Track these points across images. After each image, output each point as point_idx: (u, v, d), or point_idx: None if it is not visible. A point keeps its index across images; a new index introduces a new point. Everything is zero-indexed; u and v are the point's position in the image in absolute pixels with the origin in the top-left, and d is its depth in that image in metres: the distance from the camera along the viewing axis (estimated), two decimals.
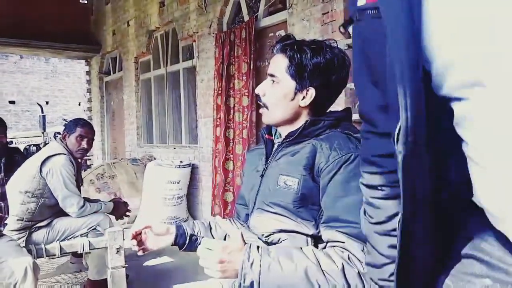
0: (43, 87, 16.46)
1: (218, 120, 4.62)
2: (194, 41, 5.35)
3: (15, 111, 15.89)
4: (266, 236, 1.17)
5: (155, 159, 5.91)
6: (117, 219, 2.94)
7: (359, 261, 0.94)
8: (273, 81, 1.21)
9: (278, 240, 1.14)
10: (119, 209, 2.92)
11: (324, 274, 0.93)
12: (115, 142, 8.28)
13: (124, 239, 2.31)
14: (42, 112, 11.04)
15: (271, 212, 1.15)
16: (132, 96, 7.04)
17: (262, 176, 1.24)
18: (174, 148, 5.94)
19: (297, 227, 1.10)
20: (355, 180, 1.02)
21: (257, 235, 1.20)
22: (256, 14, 4.44)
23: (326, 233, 1.04)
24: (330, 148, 1.10)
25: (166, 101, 6.30)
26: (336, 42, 1.23)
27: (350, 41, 3.16)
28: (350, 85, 3.17)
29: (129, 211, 2.99)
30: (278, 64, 1.20)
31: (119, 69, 7.78)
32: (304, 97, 1.19)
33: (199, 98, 5.34)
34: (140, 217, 4.84)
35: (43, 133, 10.43)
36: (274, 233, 1.14)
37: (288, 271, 0.95)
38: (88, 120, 3.15)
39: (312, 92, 1.18)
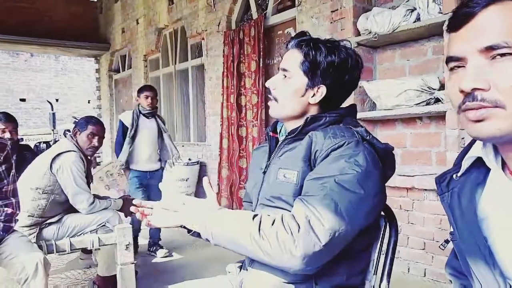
0: (53, 84, 16.60)
1: (231, 118, 4.63)
2: (203, 39, 5.36)
3: (26, 108, 16.05)
4: None
5: None
6: (126, 216, 2.96)
7: (297, 224, 0.96)
8: (285, 76, 1.21)
9: None
10: (128, 206, 2.93)
11: (259, 231, 0.98)
12: None
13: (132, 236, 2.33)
14: (52, 110, 11.12)
15: (272, 206, 1.15)
16: None
17: (264, 173, 1.24)
18: (183, 146, 5.97)
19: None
20: (338, 161, 1.04)
21: None
22: (264, 12, 4.43)
23: (294, 202, 1.06)
24: (325, 137, 1.10)
25: (175, 99, 6.32)
26: (351, 43, 1.23)
27: (359, 38, 3.14)
28: (360, 83, 3.16)
29: None
30: (292, 59, 1.20)
31: (128, 67, 7.81)
32: (314, 94, 1.19)
33: (207, 96, 5.36)
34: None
35: (53, 130, 10.51)
36: None
37: (236, 228, 1.03)
38: (99, 118, 3.17)
39: (323, 90, 1.18)
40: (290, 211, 1.10)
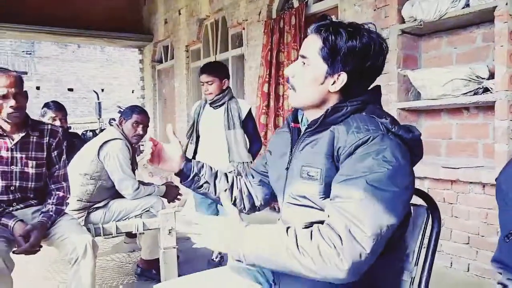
0: (98, 75, 17.19)
1: (265, 108, 4.63)
2: (243, 29, 5.38)
3: (73, 98, 16.72)
4: None
5: None
6: (169, 202, 3.04)
7: (338, 235, 0.92)
8: (304, 63, 1.15)
9: None
10: (171, 192, 3.02)
11: (297, 247, 0.94)
12: None
13: (175, 221, 2.40)
14: (98, 99, 11.53)
15: (297, 204, 1.13)
16: (183, 84, 7.20)
17: (287, 169, 1.20)
18: None
19: (325, 217, 1.04)
20: (365, 160, 0.99)
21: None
22: (306, 0, 4.38)
23: (327, 209, 1.02)
24: (347, 132, 1.05)
25: None
26: (375, 26, 1.15)
27: (404, 26, 3.05)
28: (404, 71, 3.08)
29: (180, 194, 3.09)
30: (311, 45, 1.14)
31: (171, 58, 7.96)
32: (334, 82, 1.12)
33: (247, 86, 5.38)
34: (190, 200, 4.98)
35: (99, 119, 10.91)
36: (307, 226, 1.06)
37: (270, 246, 0.98)
38: (143, 108, 3.23)
39: (343, 77, 1.10)
40: (315, 208, 1.09)
